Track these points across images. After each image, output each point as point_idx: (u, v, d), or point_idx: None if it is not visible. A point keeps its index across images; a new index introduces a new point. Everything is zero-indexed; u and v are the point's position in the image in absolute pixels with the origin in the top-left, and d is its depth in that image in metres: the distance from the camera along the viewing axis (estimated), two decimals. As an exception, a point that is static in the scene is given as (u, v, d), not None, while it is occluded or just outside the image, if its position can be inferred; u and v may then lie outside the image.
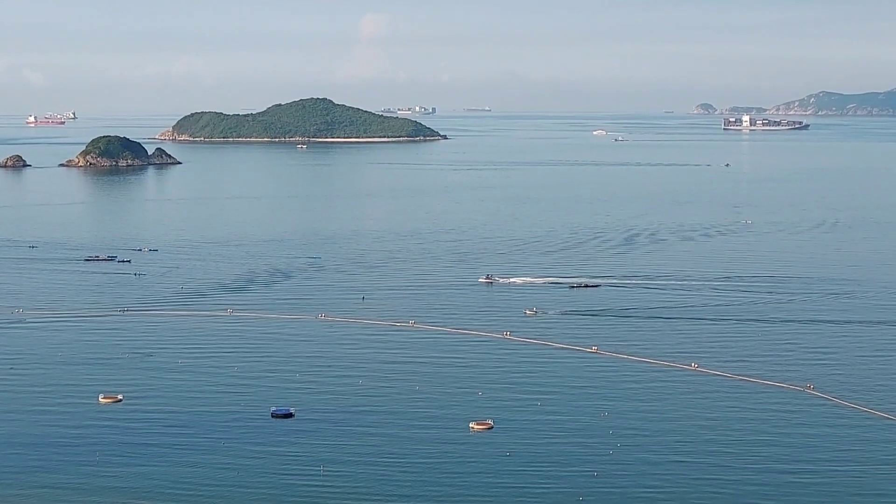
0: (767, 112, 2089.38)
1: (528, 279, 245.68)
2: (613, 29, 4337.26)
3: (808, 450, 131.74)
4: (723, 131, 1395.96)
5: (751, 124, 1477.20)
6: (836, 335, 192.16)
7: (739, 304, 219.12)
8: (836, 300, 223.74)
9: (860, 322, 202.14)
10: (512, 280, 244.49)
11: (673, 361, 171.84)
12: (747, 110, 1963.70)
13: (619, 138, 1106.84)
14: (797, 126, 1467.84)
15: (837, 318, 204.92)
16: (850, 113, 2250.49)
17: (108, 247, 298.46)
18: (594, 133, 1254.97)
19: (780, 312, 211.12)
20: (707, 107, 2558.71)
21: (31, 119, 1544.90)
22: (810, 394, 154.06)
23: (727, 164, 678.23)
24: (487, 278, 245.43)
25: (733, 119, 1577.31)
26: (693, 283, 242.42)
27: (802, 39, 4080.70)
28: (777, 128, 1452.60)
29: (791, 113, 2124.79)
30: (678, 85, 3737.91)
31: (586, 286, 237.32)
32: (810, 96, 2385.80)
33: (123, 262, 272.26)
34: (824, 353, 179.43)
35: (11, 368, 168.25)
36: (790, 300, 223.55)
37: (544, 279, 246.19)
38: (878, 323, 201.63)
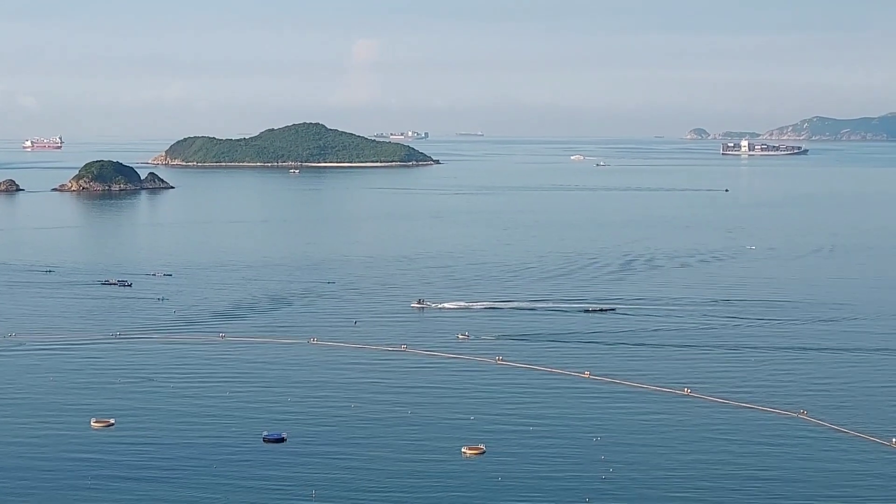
0: (761, 137, 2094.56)
1: (463, 304, 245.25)
2: (605, 54, 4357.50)
3: (801, 474, 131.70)
4: (721, 156, 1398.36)
5: (749, 149, 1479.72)
6: (830, 361, 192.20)
7: (733, 330, 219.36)
8: (831, 326, 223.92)
9: (855, 348, 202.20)
10: (444, 305, 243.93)
11: (665, 387, 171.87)
12: (741, 135, 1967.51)
13: (601, 163, 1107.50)
14: (796, 151, 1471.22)
15: (832, 345, 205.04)
16: (845, 138, 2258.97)
17: (104, 271, 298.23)
18: (571, 158, 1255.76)
19: (774, 338, 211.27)
20: (700, 132, 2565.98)
21: (28, 143, 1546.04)
22: (803, 419, 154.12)
23: (726, 190, 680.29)
24: (419, 303, 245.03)
25: (731, 144, 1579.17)
26: (687, 308, 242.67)
27: (796, 65, 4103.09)
28: (776, 153, 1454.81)
29: (784, 138, 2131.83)
30: (669, 110, 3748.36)
31: (602, 310, 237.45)
32: (804, 121, 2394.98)
33: (125, 285, 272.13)
34: (818, 379, 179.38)
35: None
36: (785, 326, 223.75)
37: (480, 304, 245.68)
38: (873, 350, 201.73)
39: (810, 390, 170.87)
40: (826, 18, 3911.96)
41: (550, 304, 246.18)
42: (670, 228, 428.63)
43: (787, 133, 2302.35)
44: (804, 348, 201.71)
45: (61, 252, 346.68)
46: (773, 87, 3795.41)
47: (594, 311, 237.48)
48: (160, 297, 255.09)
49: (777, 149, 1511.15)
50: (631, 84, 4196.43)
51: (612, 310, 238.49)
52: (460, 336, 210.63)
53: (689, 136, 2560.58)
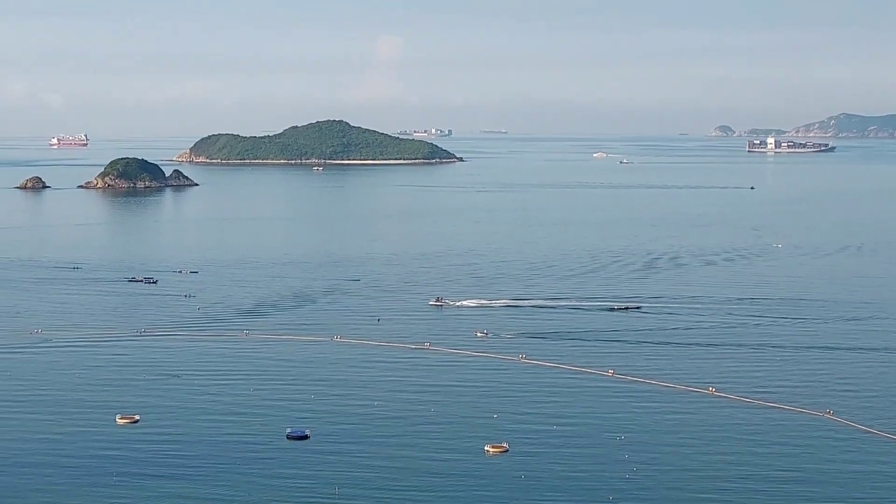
0: (788, 134, 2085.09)
1: (482, 301, 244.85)
2: (629, 51, 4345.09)
3: (827, 475, 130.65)
4: (746, 154, 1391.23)
5: (776, 147, 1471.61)
6: (858, 361, 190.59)
7: (759, 329, 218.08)
8: (859, 325, 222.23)
9: (882, 348, 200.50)
10: (462, 302, 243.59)
11: (690, 386, 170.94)
12: (767, 132, 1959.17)
13: (625, 161, 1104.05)
14: (823, 148, 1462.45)
15: (859, 344, 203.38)
16: (872, 135, 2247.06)
17: (130, 268, 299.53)
18: (594, 155, 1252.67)
19: (801, 337, 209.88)
20: (726, 129, 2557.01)
21: (55, 141, 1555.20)
22: (830, 419, 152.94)
23: (752, 187, 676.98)
24: (438, 301, 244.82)
25: (758, 141, 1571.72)
26: (712, 306, 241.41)
27: (822, 61, 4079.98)
28: (802, 150, 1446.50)
29: (811, 135, 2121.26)
30: (694, 107, 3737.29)
31: (627, 308, 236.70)
32: (831, 118, 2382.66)
33: (151, 282, 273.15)
34: (845, 378, 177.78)
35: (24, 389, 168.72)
36: (811, 325, 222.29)
37: (501, 301, 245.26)
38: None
39: (837, 390, 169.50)
40: (853, 14, 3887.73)
41: (573, 303, 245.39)
42: (695, 226, 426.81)
43: (813, 130, 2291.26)
44: (831, 347, 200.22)
45: (88, 249, 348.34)
46: (800, 84, 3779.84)
47: (620, 308, 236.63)
48: (187, 294, 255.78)
49: (804, 146, 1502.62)
50: (655, 81, 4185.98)
51: (638, 308, 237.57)
52: (479, 333, 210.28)
53: (714, 134, 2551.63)
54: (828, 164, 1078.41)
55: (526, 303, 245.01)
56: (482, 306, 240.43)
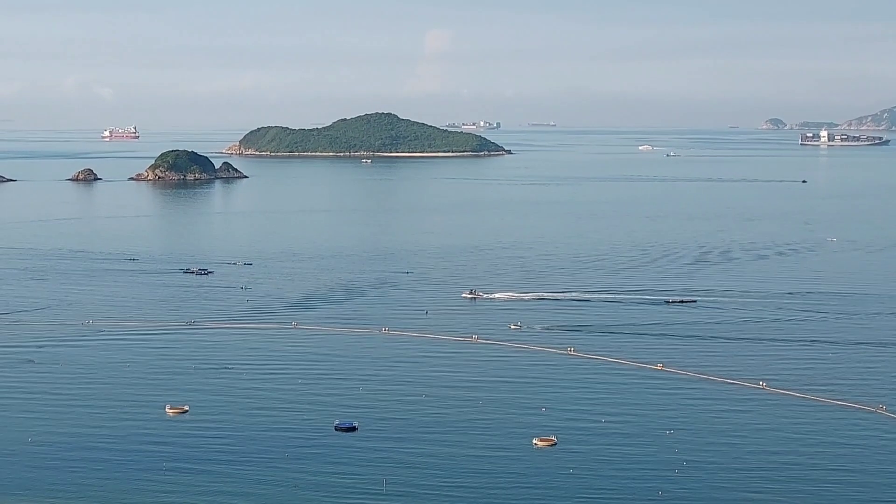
0: (840, 127, 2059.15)
1: (513, 294, 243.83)
2: (678, 44, 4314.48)
3: (879, 471, 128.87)
4: (799, 147, 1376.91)
5: (829, 140, 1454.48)
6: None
7: (811, 323, 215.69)
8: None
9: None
10: (494, 295, 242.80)
11: (740, 380, 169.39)
12: (819, 125, 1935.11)
13: (672, 153, 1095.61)
14: (877, 141, 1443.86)
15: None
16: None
17: (183, 259, 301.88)
18: (639, 148, 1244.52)
19: (853, 332, 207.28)
20: (777, 122, 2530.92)
21: (107, 133, 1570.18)
22: (883, 414, 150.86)
23: (803, 181, 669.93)
24: (471, 293, 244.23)
25: (811, 134, 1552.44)
26: (763, 300, 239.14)
27: (875, 53, 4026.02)
28: (856, 143, 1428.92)
29: (863, 128, 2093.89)
30: (744, 99, 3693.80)
31: (682, 301, 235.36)
32: (883, 111, 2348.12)
33: (205, 273, 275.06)
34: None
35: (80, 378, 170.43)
36: (864, 319, 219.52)
37: (531, 294, 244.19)
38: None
39: (890, 386, 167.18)
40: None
41: (623, 296, 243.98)
42: (745, 220, 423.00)
43: (865, 123, 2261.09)
44: (884, 343, 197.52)
45: (142, 240, 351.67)
46: (852, 76, 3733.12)
47: (675, 302, 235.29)
48: (243, 285, 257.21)
49: (857, 139, 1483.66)
50: (705, 73, 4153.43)
51: (694, 301, 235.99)
52: (513, 326, 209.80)
53: (764, 126, 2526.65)
54: (883, 157, 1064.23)
55: (574, 296, 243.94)
56: (514, 299, 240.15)
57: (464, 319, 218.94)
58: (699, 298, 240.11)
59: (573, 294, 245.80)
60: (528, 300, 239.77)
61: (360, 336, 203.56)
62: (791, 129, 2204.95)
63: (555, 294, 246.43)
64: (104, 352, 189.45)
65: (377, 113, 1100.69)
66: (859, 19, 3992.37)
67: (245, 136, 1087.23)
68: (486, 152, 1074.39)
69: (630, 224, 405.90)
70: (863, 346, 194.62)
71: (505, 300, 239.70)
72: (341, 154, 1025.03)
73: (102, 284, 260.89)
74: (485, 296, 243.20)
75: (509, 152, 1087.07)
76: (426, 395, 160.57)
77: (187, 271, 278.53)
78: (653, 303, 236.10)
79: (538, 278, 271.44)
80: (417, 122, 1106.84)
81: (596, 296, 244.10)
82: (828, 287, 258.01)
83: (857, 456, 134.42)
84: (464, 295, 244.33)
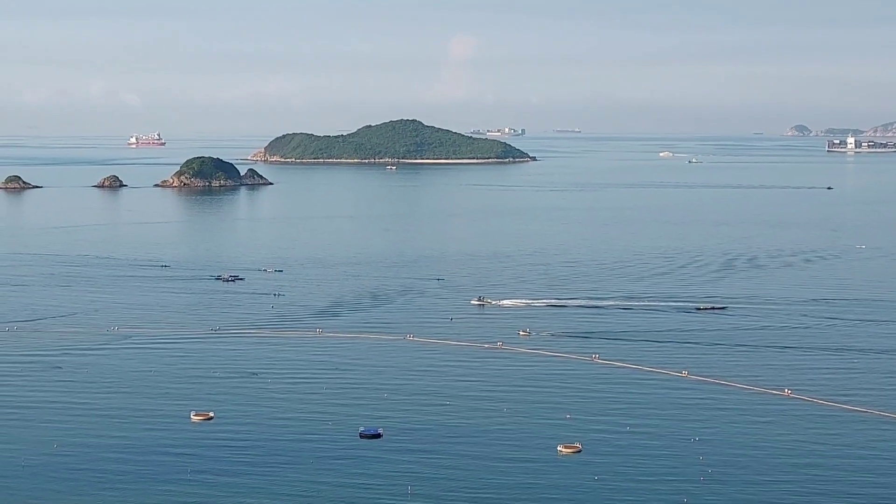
0: (865, 134, 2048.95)
1: (523, 301, 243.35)
2: (702, 50, 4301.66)
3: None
4: (826, 153, 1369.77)
5: (856, 146, 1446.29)
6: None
7: (838, 330, 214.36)
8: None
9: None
10: (503, 302, 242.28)
11: (766, 387, 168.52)
12: (844, 132, 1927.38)
13: (694, 160, 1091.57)
14: None
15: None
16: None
17: (213, 266, 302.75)
18: (660, 154, 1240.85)
19: (880, 340, 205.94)
20: (802, 128, 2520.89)
21: (133, 140, 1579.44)
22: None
23: (829, 188, 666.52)
24: (479, 300, 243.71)
25: (838, 141, 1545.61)
26: (789, 307, 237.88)
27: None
28: (883, 150, 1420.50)
29: (889, 135, 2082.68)
30: (768, 106, 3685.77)
31: (713, 308, 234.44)
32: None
33: (235, 280, 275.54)
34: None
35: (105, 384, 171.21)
36: (891, 328, 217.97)
37: (541, 301, 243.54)
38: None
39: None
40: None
41: (649, 303, 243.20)
42: (771, 227, 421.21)
43: (892, 130, 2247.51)
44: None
45: (170, 247, 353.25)
46: (877, 82, 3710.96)
47: (705, 309, 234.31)
48: (275, 292, 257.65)
49: (884, 146, 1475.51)
50: (729, 80, 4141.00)
51: (724, 308, 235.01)
52: (521, 332, 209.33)
53: (789, 133, 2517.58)
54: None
55: (597, 303, 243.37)
56: (528, 306, 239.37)
57: (487, 326, 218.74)
58: (729, 305, 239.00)
59: (598, 301, 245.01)
60: (557, 307, 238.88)
61: (385, 343, 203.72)
62: (816, 135, 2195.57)
63: (578, 301, 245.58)
64: (130, 360, 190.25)
65: (402, 119, 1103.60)
66: (884, 24, 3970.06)
67: (270, 143, 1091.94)
68: (511, 159, 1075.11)
69: (655, 230, 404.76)
70: (890, 354, 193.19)
71: (521, 307, 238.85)
72: (366, 161, 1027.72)
73: (129, 291, 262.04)
74: (493, 303, 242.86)
75: (534, 159, 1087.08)
76: (451, 402, 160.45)
77: (218, 278, 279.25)
78: (680, 310, 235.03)
79: (562, 285, 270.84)
80: (442, 129, 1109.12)
81: (620, 303, 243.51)
82: (855, 294, 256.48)
83: (885, 467, 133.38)
84: (472, 302, 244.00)
